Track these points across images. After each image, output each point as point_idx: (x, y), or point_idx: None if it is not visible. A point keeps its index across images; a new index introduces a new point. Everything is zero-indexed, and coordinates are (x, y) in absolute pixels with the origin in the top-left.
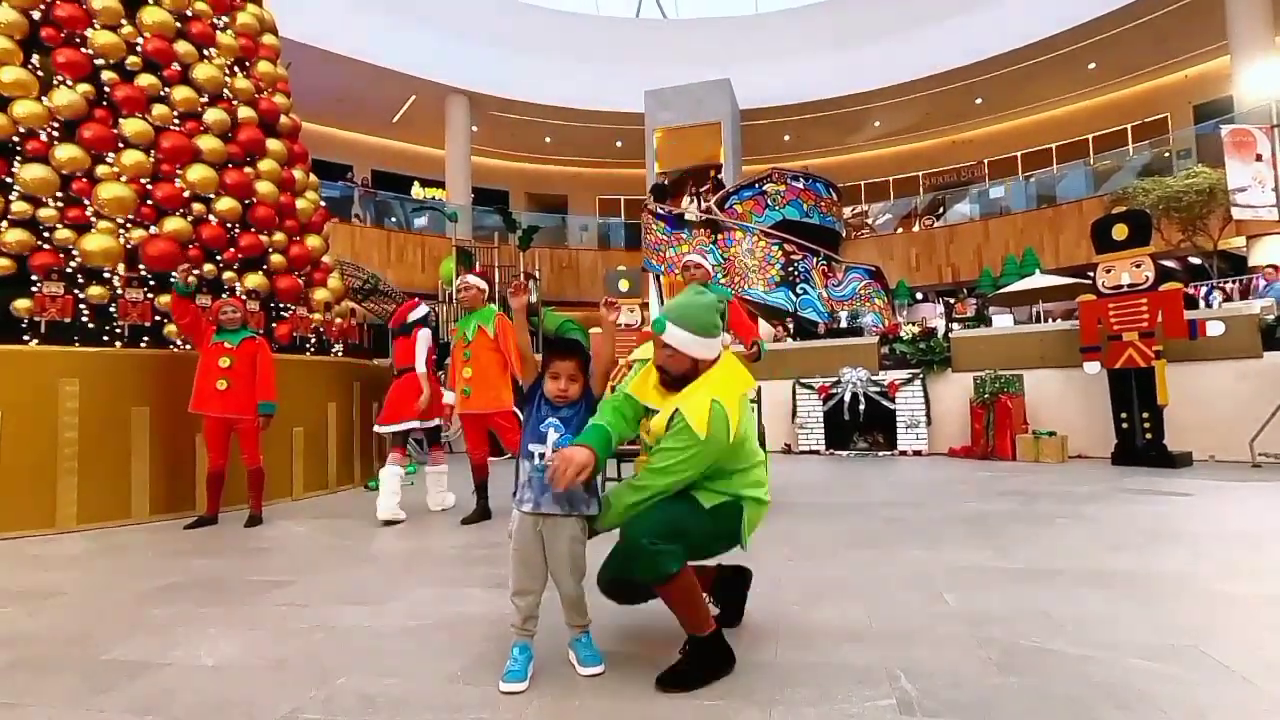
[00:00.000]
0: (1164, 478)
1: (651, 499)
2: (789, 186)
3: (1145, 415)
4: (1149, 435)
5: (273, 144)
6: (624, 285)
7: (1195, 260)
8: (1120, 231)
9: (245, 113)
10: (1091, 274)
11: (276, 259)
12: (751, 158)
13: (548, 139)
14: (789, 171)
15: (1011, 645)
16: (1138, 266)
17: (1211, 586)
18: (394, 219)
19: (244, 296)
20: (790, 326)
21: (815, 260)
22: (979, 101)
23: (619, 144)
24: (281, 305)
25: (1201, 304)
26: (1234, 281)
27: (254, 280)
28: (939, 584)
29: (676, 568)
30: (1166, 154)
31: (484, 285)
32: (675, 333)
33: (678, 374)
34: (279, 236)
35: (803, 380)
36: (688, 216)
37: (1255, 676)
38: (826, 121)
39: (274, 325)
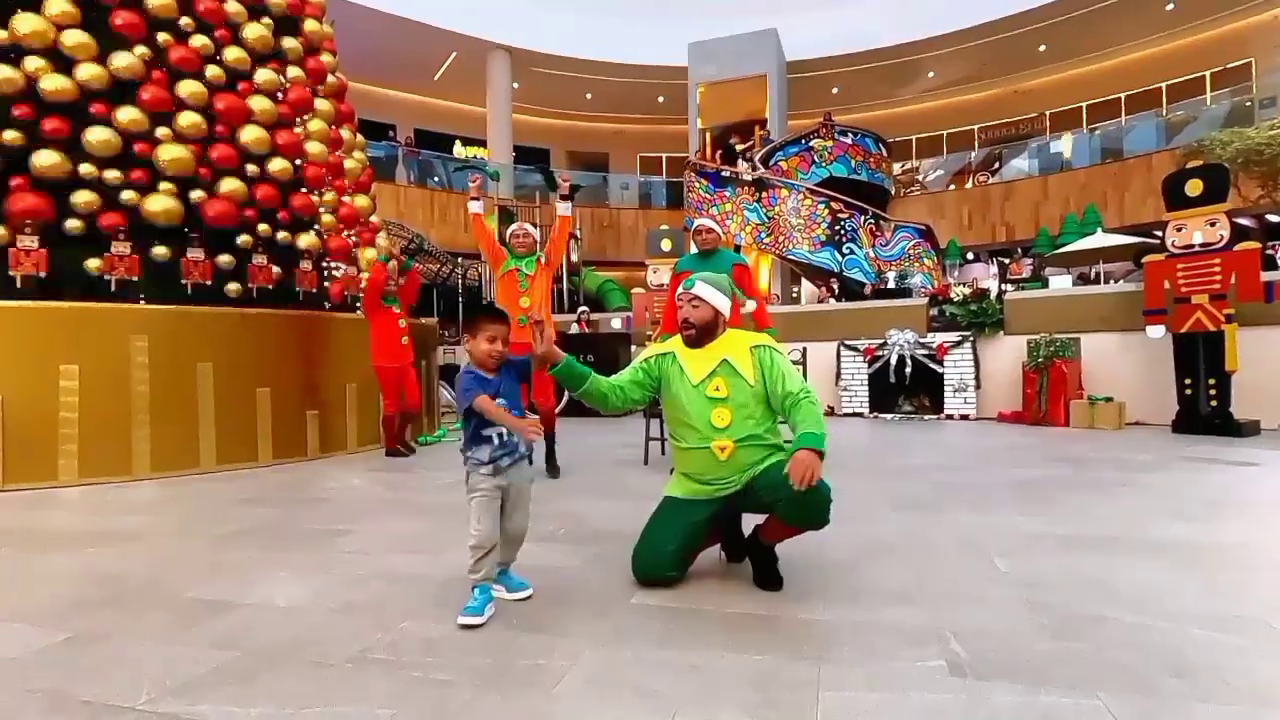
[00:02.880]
0: (1229, 447)
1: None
2: (836, 141)
3: (1211, 381)
4: (1214, 403)
5: (321, 104)
6: (666, 245)
7: (1275, 218)
8: (1195, 187)
9: (294, 72)
10: (1159, 233)
11: (327, 219)
12: (798, 112)
13: (588, 95)
14: (838, 125)
15: (1065, 611)
16: (1212, 225)
17: (1273, 559)
18: (437, 178)
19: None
20: (835, 287)
21: (863, 219)
22: (1042, 49)
23: (661, 100)
24: (333, 264)
25: None
26: None
27: (306, 240)
28: (989, 549)
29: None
30: (1249, 103)
31: (536, 233)
32: (702, 287)
33: (701, 324)
34: (329, 196)
35: (848, 342)
36: (728, 173)
37: None
38: (877, 73)
39: (326, 284)
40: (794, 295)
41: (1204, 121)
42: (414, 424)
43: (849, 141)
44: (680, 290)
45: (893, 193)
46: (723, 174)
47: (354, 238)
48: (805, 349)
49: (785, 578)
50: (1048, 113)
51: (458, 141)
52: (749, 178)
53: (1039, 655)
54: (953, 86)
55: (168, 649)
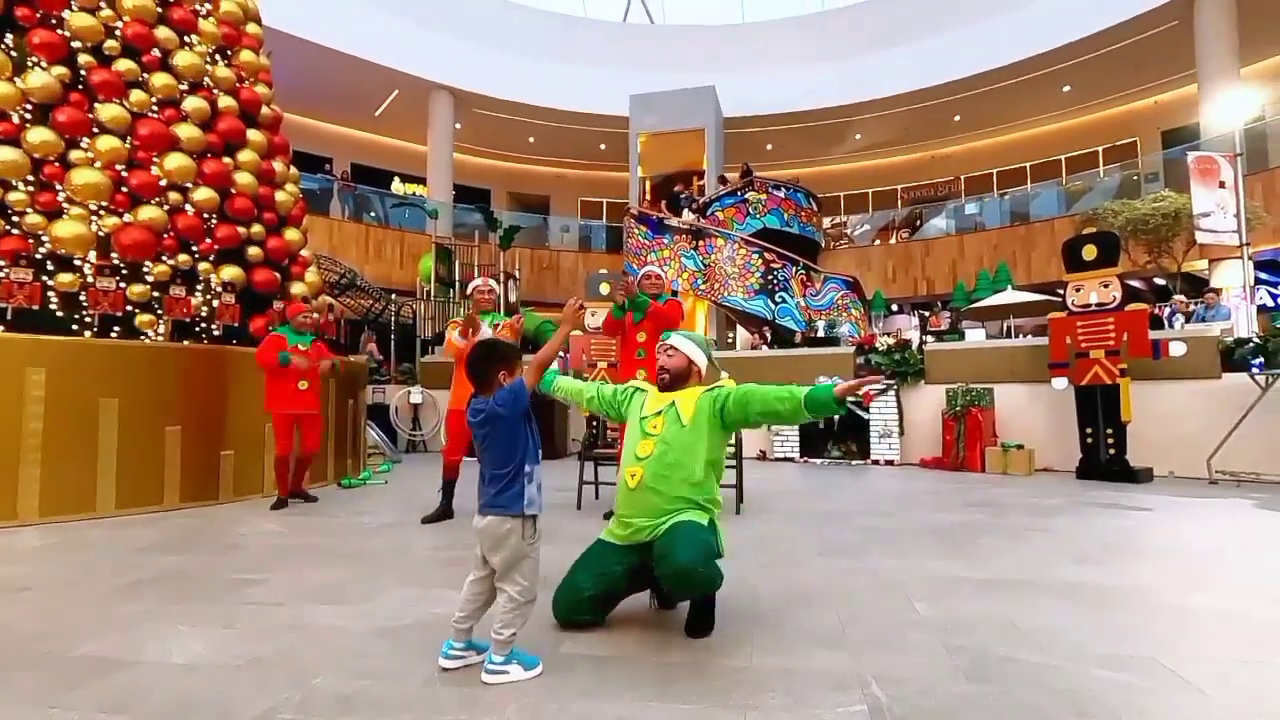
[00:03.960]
0: (1126, 492)
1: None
2: (770, 195)
3: (1109, 431)
4: (1113, 451)
5: (253, 135)
6: (605, 288)
7: (1160, 281)
8: (1090, 252)
9: (226, 102)
10: (1061, 291)
11: (254, 251)
12: (733, 165)
13: (531, 139)
14: (770, 180)
15: (979, 654)
16: (1105, 286)
17: (1170, 600)
18: (373, 214)
19: (222, 290)
20: (768, 334)
21: (794, 269)
22: (957, 119)
23: (602, 147)
24: (257, 297)
25: (1165, 324)
26: (1195, 304)
27: (230, 273)
28: (910, 592)
29: (721, 577)
30: (1135, 177)
31: (498, 290)
32: (679, 339)
33: (674, 371)
34: (257, 229)
35: None
36: (668, 222)
37: (1208, 686)
38: (808, 132)
39: (249, 319)
40: (729, 341)
41: (1098, 192)
42: (330, 467)
43: (782, 195)
44: (660, 342)
45: (822, 245)
46: (663, 222)
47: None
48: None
49: (716, 624)
50: (963, 177)
51: (396, 178)
52: (686, 226)
53: (954, 697)
54: (878, 149)
55: (49, 715)
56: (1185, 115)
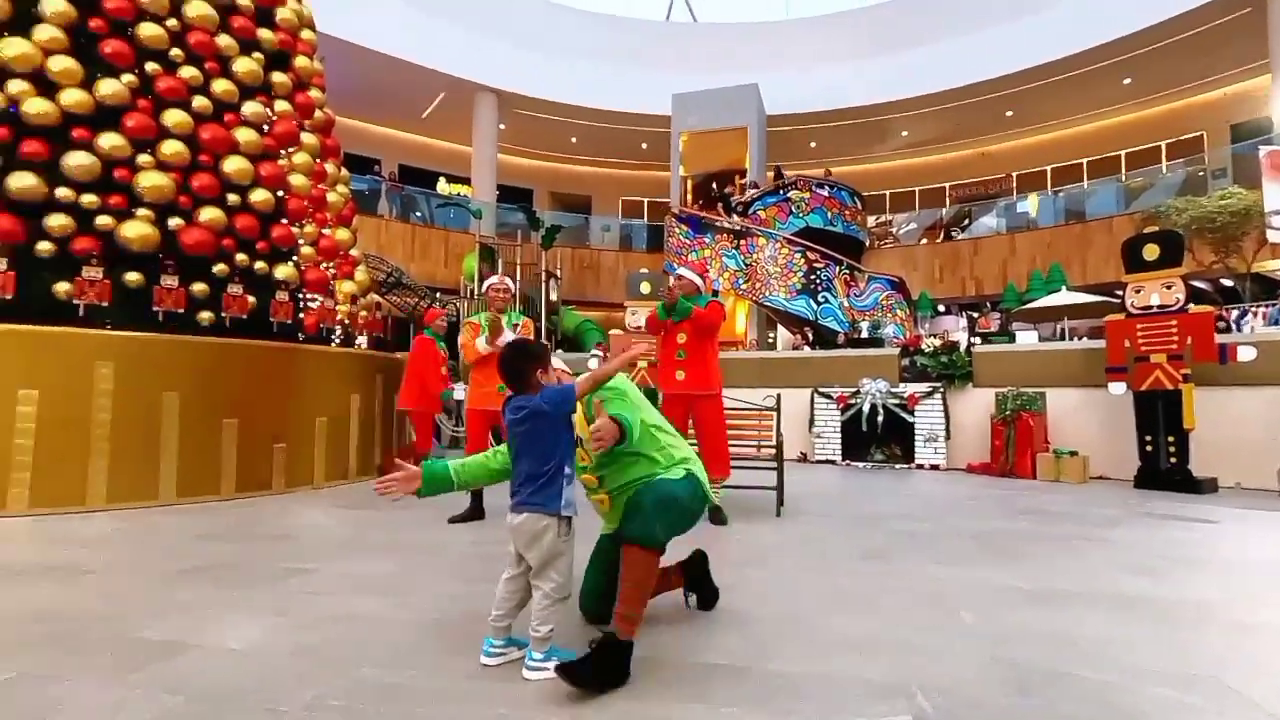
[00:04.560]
0: (1188, 503)
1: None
2: (813, 194)
3: (1170, 439)
4: (1174, 460)
5: (307, 138)
6: (645, 288)
7: (1227, 282)
8: (1151, 251)
9: (282, 106)
10: (1120, 293)
11: (306, 250)
12: (776, 163)
13: (573, 139)
14: (814, 179)
15: (1030, 666)
16: (1168, 288)
17: (1235, 616)
18: (419, 213)
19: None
20: (809, 334)
21: (838, 269)
22: (1009, 114)
23: (644, 146)
24: (309, 296)
25: (1234, 328)
26: (1268, 305)
27: (284, 271)
28: (955, 601)
29: (664, 538)
30: (1201, 173)
31: (513, 287)
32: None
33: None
34: (310, 228)
35: (821, 389)
36: (711, 221)
37: (1277, 709)
38: (853, 130)
39: (301, 316)
40: (770, 341)
41: (1160, 188)
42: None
43: (825, 194)
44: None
45: (867, 245)
46: (703, 220)
47: (333, 270)
48: (779, 395)
49: (753, 626)
50: (1014, 174)
51: (442, 178)
52: (729, 225)
53: (1003, 710)
54: (925, 145)
55: (114, 691)
56: (1255, 108)
